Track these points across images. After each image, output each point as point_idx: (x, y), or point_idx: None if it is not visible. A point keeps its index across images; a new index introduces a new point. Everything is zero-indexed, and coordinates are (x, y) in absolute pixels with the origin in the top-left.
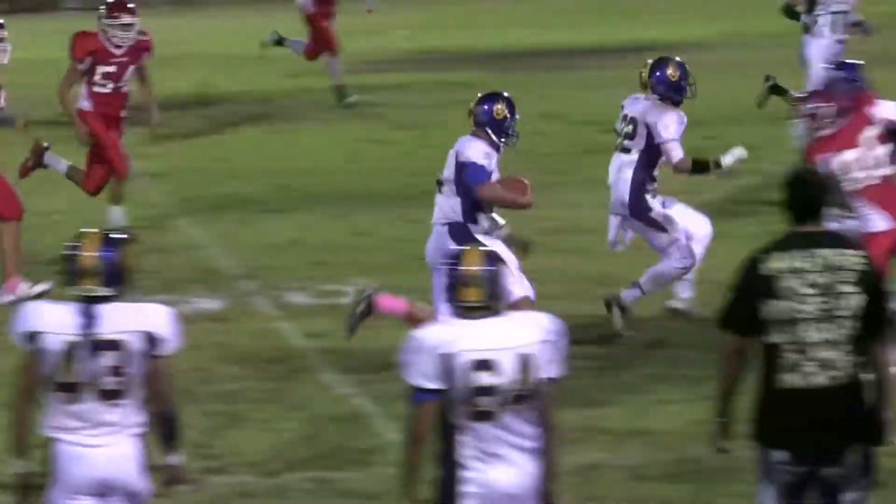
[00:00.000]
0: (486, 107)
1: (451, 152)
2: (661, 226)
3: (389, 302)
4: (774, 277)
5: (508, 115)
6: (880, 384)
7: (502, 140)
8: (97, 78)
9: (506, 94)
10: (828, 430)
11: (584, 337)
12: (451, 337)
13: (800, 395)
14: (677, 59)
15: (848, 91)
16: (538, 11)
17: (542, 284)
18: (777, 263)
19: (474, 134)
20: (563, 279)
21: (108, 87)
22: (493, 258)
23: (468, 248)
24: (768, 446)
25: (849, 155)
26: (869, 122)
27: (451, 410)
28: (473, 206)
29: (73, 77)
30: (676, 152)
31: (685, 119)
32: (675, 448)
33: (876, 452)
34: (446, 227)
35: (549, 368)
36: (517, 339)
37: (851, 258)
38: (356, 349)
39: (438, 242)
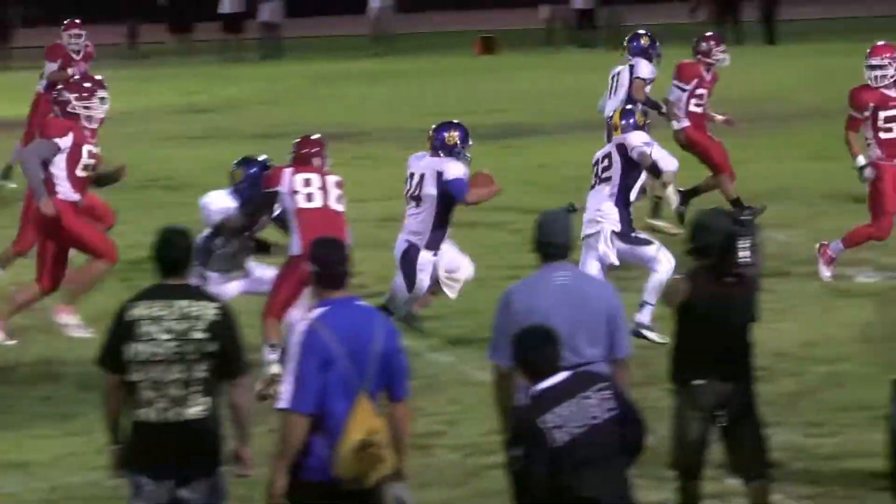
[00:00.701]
0: (440, 134)
1: (426, 172)
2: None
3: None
4: (136, 323)
5: (459, 141)
6: (237, 422)
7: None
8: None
9: (457, 121)
10: (180, 458)
11: None
12: None
13: (155, 427)
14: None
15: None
16: None
17: None
18: (140, 311)
19: (435, 156)
20: None
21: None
22: None
23: None
24: (134, 471)
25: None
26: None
27: None
28: (446, 216)
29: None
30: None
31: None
32: (49, 478)
33: (226, 479)
34: (415, 241)
35: None
36: None
37: (205, 309)
38: None
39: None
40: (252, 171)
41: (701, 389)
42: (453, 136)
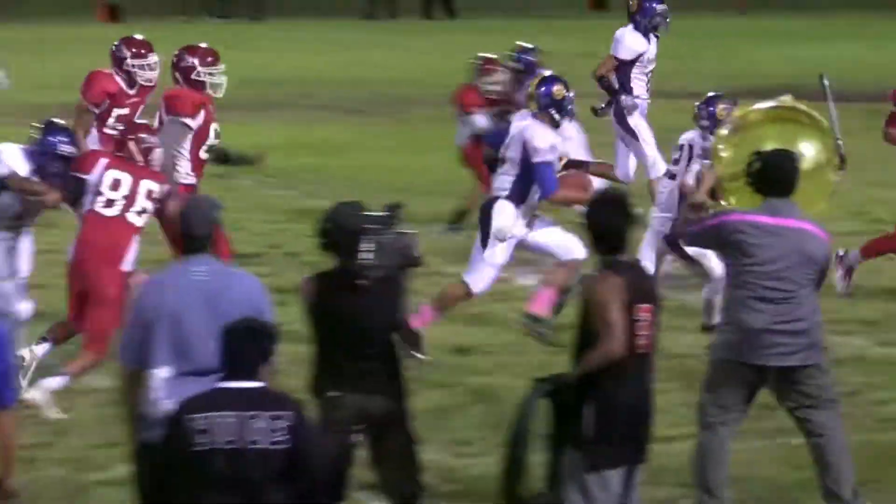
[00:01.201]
0: (545, 89)
1: (515, 133)
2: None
3: (539, 303)
4: None
5: (566, 94)
6: None
7: (565, 117)
8: (111, 121)
9: (556, 75)
10: None
11: None
12: None
13: None
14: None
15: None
16: None
17: None
18: None
19: (537, 117)
20: None
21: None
22: None
23: None
24: None
25: None
26: None
27: None
28: (526, 188)
29: (85, 118)
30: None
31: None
32: None
33: None
34: (504, 199)
35: None
36: None
37: None
38: None
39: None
40: (50, 139)
41: (336, 402)
42: (560, 90)
